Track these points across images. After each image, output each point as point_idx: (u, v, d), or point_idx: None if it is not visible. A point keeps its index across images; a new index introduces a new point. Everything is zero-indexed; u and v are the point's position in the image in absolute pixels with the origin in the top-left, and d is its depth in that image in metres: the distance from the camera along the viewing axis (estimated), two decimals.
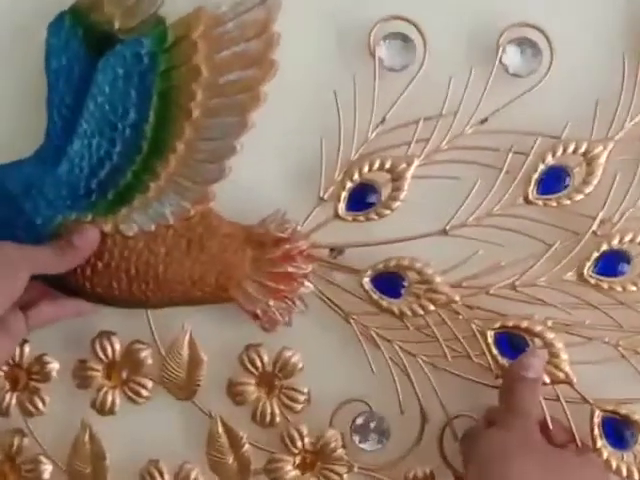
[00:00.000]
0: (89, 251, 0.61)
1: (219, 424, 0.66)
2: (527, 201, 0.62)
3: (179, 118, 0.61)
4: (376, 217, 0.63)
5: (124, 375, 0.67)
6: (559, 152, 0.61)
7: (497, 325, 0.61)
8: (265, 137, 0.63)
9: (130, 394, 0.66)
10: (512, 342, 0.62)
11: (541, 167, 0.61)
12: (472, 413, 0.63)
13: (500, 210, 0.62)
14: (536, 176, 0.61)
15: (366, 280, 0.63)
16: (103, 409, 0.66)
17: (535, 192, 0.61)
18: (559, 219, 0.62)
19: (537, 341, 0.61)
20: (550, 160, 0.61)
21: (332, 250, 0.64)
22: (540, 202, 0.61)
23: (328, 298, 0.64)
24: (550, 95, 0.62)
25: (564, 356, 0.61)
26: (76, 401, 0.67)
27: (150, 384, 0.66)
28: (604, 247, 0.61)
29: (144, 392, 0.66)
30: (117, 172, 0.62)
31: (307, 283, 0.64)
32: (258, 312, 0.63)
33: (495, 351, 0.62)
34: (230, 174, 0.61)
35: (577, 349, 0.61)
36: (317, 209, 0.64)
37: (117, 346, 0.66)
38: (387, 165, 0.62)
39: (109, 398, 0.67)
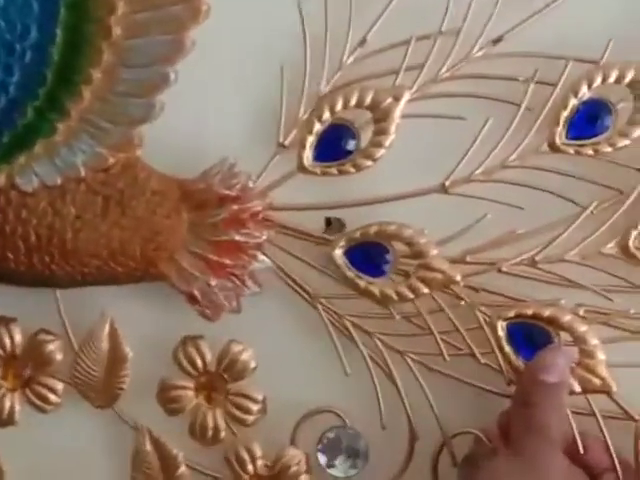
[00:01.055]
0: None
1: (147, 439, 0.57)
2: (553, 148, 0.52)
3: (95, 38, 0.52)
4: (353, 169, 0.53)
5: (26, 374, 0.58)
6: (597, 81, 0.51)
7: (511, 314, 0.52)
8: (209, 63, 0.53)
9: (34, 399, 0.58)
10: (530, 336, 0.52)
11: (573, 102, 0.52)
12: (476, 430, 0.53)
13: (517, 160, 0.52)
14: (566, 114, 0.52)
15: (338, 252, 0.54)
16: None
17: (564, 136, 0.52)
18: (596, 172, 0.52)
19: (564, 335, 0.52)
20: (585, 92, 0.52)
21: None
22: (571, 149, 0.52)
23: (289, 276, 0.55)
24: (585, 5, 0.52)
25: (601, 356, 0.51)
26: None
27: (60, 386, 0.58)
28: None
29: (52, 397, 0.58)
30: (14, 109, 0.52)
31: (261, 256, 0.54)
32: (196, 294, 0.54)
33: (508, 348, 0.52)
34: (162, 113, 0.51)
35: (618, 347, 0.52)
36: (276, 159, 0.55)
37: (17, 337, 0.57)
38: (368, 100, 0.53)
39: (7, 404, 0.58)
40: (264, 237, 0.54)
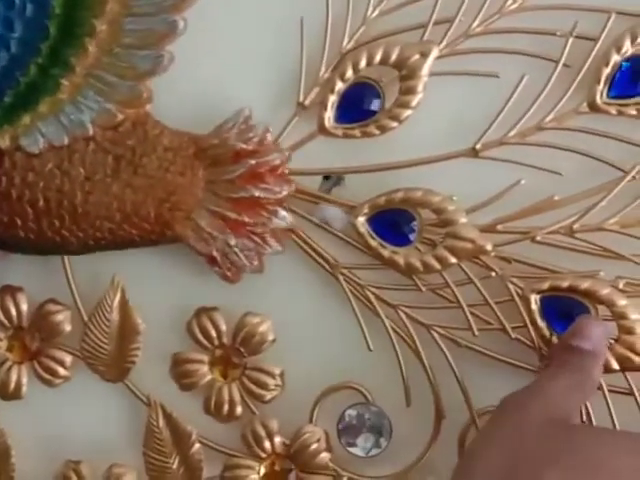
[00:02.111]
0: None
1: (160, 415, 0.55)
2: (594, 107, 0.49)
3: None
4: (377, 131, 0.50)
5: (34, 346, 0.56)
6: None
7: (545, 286, 0.49)
8: (222, 12, 0.51)
9: (42, 372, 0.56)
10: (566, 310, 0.49)
11: (615, 58, 0.48)
12: None
13: (554, 121, 0.49)
14: (607, 71, 0.48)
15: (361, 220, 0.51)
16: (6, 391, 0.56)
17: (606, 94, 0.49)
18: None
19: (602, 309, 0.49)
20: (628, 48, 0.48)
21: (326, 178, 0.52)
22: (613, 109, 0.49)
23: (308, 245, 0.52)
24: None
25: None
26: None
27: (69, 359, 0.56)
28: None
29: (60, 370, 0.56)
30: (16, 66, 0.50)
31: (283, 212, 0.51)
32: (215, 255, 0.51)
33: (541, 323, 0.49)
34: (172, 65, 0.49)
35: None
36: (295, 120, 0.51)
37: (24, 307, 0.56)
38: (393, 57, 0.49)
39: (13, 377, 0.56)
40: (284, 192, 0.51)
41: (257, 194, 0.50)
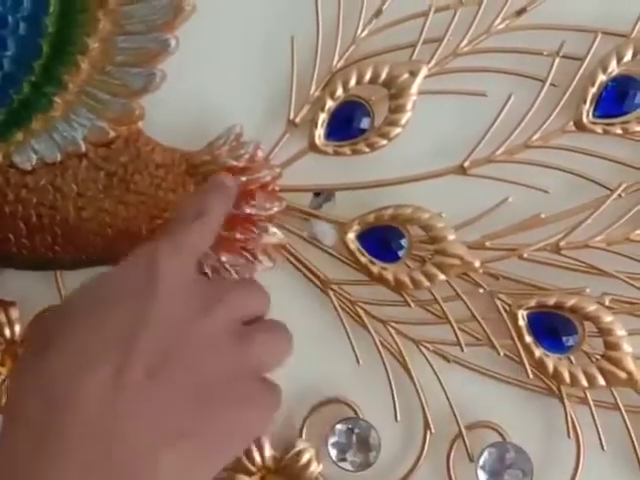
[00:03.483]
0: None
1: None
2: (580, 126, 0.49)
3: (90, 5, 0.50)
4: (367, 149, 0.50)
5: None
6: (627, 56, 0.48)
7: (532, 302, 0.49)
8: (214, 30, 0.51)
9: None
10: (553, 326, 0.49)
11: (601, 78, 0.48)
12: (494, 424, 0.51)
13: (541, 140, 0.49)
14: (593, 91, 0.48)
15: (351, 236, 0.51)
16: (1, 405, 0.55)
17: (591, 114, 0.49)
18: (625, 152, 0.49)
19: (588, 325, 0.49)
20: (614, 68, 0.48)
21: (316, 195, 0.52)
22: (599, 128, 0.49)
23: (299, 260, 0.52)
24: None
25: (627, 348, 0.48)
26: None
27: None
28: None
29: None
30: (9, 84, 0.50)
31: (273, 229, 0.51)
32: (207, 271, 0.51)
33: (528, 338, 0.49)
34: (164, 82, 0.49)
35: None
36: (286, 137, 0.52)
37: (17, 322, 0.55)
38: (383, 75, 0.49)
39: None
40: (275, 209, 0.51)
41: (248, 211, 0.50)
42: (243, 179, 0.50)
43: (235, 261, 0.51)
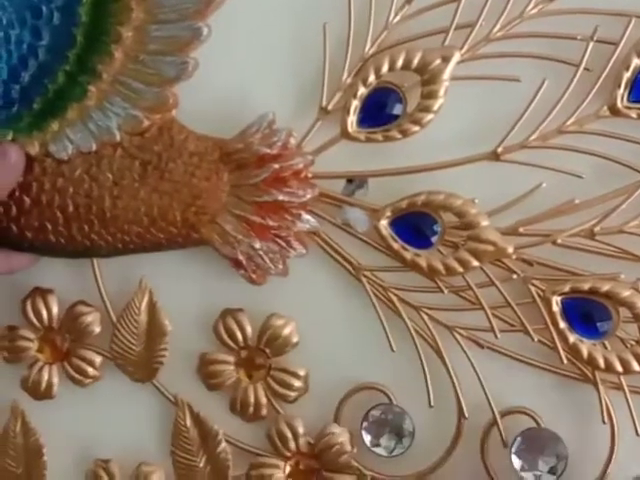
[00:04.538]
0: (11, 180, 0.50)
1: (187, 414, 0.55)
2: (614, 111, 0.48)
3: None
4: (399, 135, 0.50)
5: (64, 347, 0.56)
6: None
7: (567, 288, 0.48)
8: (246, 19, 0.51)
9: (72, 372, 0.56)
10: (587, 312, 0.49)
11: (635, 62, 0.48)
12: (528, 409, 0.51)
13: (575, 125, 0.48)
14: (628, 75, 0.48)
15: (384, 223, 0.50)
16: (37, 391, 0.57)
17: (626, 98, 0.48)
18: None
19: (623, 311, 0.48)
20: None
21: (350, 181, 0.52)
22: (633, 113, 0.48)
23: (332, 247, 0.52)
24: None
25: None
26: (3, 381, 0.58)
27: (98, 360, 0.56)
28: None
29: (90, 370, 0.56)
30: (44, 73, 0.51)
31: (306, 216, 0.51)
32: (241, 258, 0.51)
33: (563, 324, 0.49)
34: (197, 71, 0.49)
35: None
36: (318, 124, 0.51)
37: (55, 309, 0.56)
38: (415, 61, 0.49)
39: (44, 377, 0.57)
40: (308, 196, 0.51)
41: (281, 198, 0.50)
42: (276, 166, 0.50)
43: (268, 248, 0.51)
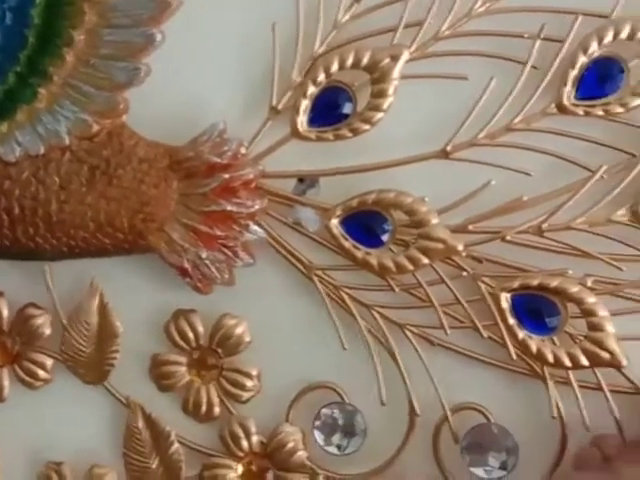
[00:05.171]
0: None
1: (139, 416, 0.55)
2: (561, 109, 0.49)
3: None
4: (350, 134, 0.50)
5: (14, 350, 0.55)
6: (608, 37, 0.48)
7: (516, 285, 0.49)
8: (197, 23, 0.51)
9: (23, 375, 0.55)
10: (536, 309, 0.49)
11: (582, 60, 0.48)
12: (479, 405, 0.51)
13: (523, 122, 0.49)
14: (575, 73, 0.48)
15: (335, 222, 0.51)
16: None
17: (573, 96, 0.49)
18: (607, 134, 0.49)
19: (571, 307, 0.49)
20: (595, 49, 0.48)
21: (301, 180, 0.52)
22: (580, 110, 0.48)
23: (283, 247, 0.52)
24: None
25: (610, 329, 0.48)
26: None
27: (50, 362, 0.55)
28: None
29: (41, 373, 0.55)
30: None
31: (254, 227, 0.51)
32: (187, 266, 0.51)
33: (512, 321, 0.49)
34: (149, 76, 0.49)
35: (629, 319, 0.49)
36: (268, 124, 0.51)
37: (5, 311, 0.55)
38: (365, 61, 0.49)
39: None
40: (257, 206, 0.51)
41: (229, 208, 0.50)
42: (226, 176, 0.50)
43: (215, 257, 0.51)
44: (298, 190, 0.52)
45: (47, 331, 0.54)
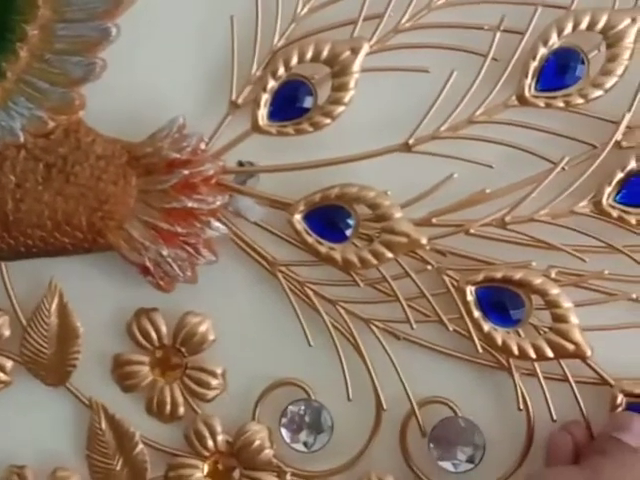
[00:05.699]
0: None
1: (102, 417, 0.54)
2: (522, 100, 0.48)
3: None
4: (311, 128, 0.50)
5: None
6: (568, 29, 0.48)
7: (480, 277, 0.49)
8: (155, 18, 0.50)
9: None
10: (500, 301, 0.49)
11: (542, 51, 0.48)
12: (446, 399, 0.51)
13: (484, 115, 0.49)
14: (535, 64, 0.48)
15: (297, 217, 0.50)
16: None
17: (534, 88, 0.48)
18: (568, 125, 0.49)
19: (535, 299, 0.48)
20: (555, 41, 0.48)
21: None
22: (541, 102, 0.48)
23: (246, 243, 0.51)
24: None
25: (574, 320, 0.48)
26: None
27: (9, 364, 0.55)
28: (632, 165, 0.48)
29: (1, 375, 0.55)
30: None
31: (216, 223, 0.50)
32: (148, 265, 0.50)
33: (477, 313, 0.49)
34: (105, 71, 0.48)
35: (593, 310, 0.49)
36: (229, 118, 0.51)
37: None
38: (325, 54, 0.49)
39: None
40: (218, 203, 0.50)
41: (190, 205, 0.49)
42: (185, 172, 0.49)
43: (177, 255, 0.50)
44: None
45: (6, 332, 0.54)
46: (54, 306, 0.53)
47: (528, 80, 0.48)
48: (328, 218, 0.50)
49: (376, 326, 0.51)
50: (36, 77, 0.49)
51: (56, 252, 0.51)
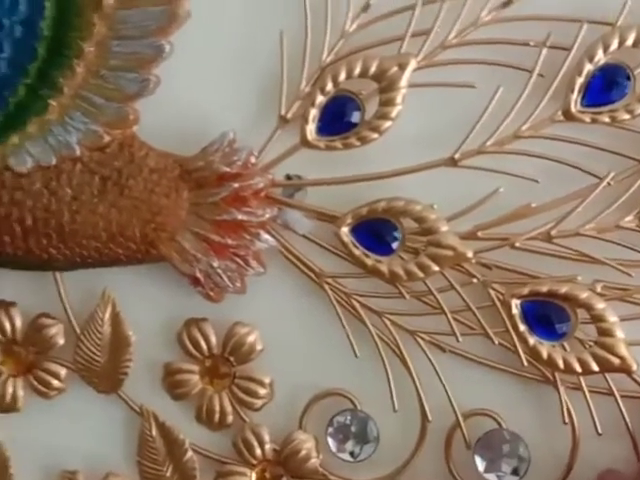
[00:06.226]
0: None
1: (153, 424, 0.55)
2: (568, 116, 0.48)
3: (85, 9, 0.49)
4: (358, 143, 0.50)
5: (28, 360, 0.55)
6: (613, 45, 0.48)
7: (525, 291, 0.49)
8: (206, 34, 0.51)
9: (37, 384, 0.55)
10: (546, 315, 0.49)
11: (588, 67, 0.48)
12: (490, 411, 0.51)
13: (531, 130, 0.49)
14: (581, 80, 0.48)
15: (345, 230, 0.50)
16: (3, 404, 0.56)
17: (579, 103, 0.48)
18: (614, 141, 0.49)
19: (581, 313, 0.49)
20: (601, 57, 0.48)
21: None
22: (587, 117, 0.48)
23: (294, 255, 0.52)
24: None
25: (620, 334, 0.48)
26: None
27: (63, 372, 0.55)
28: None
29: (55, 382, 0.55)
30: (5, 86, 0.50)
31: (265, 235, 0.51)
32: (199, 276, 0.51)
33: (522, 327, 0.49)
34: (158, 87, 0.49)
35: (638, 324, 0.49)
36: (277, 133, 0.51)
37: (18, 321, 0.55)
38: (372, 69, 0.49)
39: (9, 390, 0.55)
40: (267, 215, 0.51)
41: (240, 217, 0.50)
42: (236, 185, 0.50)
43: (227, 266, 0.51)
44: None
45: (60, 341, 0.55)
46: (107, 315, 0.54)
47: (574, 95, 0.48)
48: (375, 231, 0.50)
49: (422, 338, 0.51)
50: (92, 92, 0.49)
51: (110, 262, 0.52)
